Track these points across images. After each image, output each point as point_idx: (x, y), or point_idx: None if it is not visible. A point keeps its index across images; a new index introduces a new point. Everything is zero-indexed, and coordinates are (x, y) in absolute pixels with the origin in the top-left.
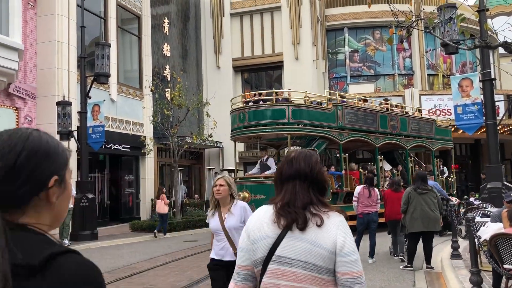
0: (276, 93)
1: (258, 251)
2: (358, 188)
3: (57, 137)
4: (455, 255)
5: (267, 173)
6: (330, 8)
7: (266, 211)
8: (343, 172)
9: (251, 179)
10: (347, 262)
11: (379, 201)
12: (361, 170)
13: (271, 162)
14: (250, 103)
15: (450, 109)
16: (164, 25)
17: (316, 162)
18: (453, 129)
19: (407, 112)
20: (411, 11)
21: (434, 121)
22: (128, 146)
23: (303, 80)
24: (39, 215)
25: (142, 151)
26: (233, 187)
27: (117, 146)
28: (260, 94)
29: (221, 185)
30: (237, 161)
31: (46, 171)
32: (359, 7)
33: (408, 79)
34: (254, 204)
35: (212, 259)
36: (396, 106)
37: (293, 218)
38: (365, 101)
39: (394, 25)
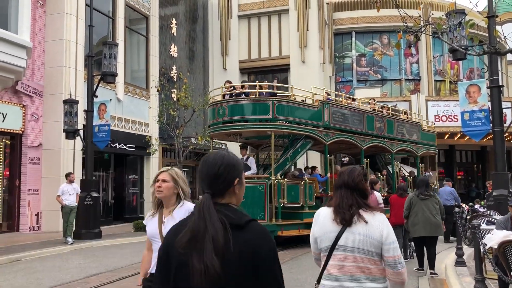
0: (260, 86)
1: (323, 242)
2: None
3: (63, 135)
4: (460, 262)
5: (247, 174)
6: (338, 12)
7: (326, 212)
8: (329, 175)
9: None
10: (390, 248)
11: (382, 205)
12: None
13: (251, 162)
14: (227, 96)
15: (456, 115)
16: (171, 26)
17: (358, 175)
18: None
19: (393, 114)
20: (420, 16)
21: (419, 125)
22: (134, 146)
23: (310, 83)
24: (230, 199)
25: (147, 151)
26: (181, 184)
27: (122, 146)
28: (242, 87)
29: (163, 180)
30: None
31: (233, 176)
32: (367, 12)
33: (415, 85)
34: None
35: (151, 274)
36: (383, 107)
37: (342, 216)
38: (353, 100)
39: (402, 30)
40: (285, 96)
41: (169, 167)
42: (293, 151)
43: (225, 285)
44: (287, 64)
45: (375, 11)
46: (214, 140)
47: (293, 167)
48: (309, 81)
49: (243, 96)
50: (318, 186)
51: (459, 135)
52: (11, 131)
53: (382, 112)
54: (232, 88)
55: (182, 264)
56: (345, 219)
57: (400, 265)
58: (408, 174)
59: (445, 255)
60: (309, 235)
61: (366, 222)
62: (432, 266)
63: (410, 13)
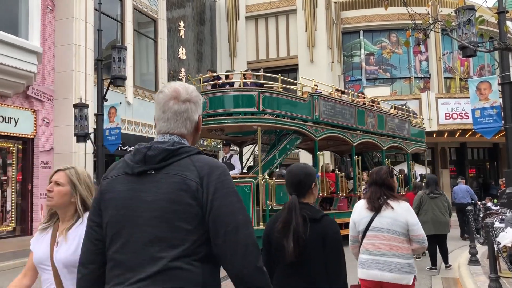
0: (244, 76)
1: (360, 225)
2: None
3: (74, 139)
4: (473, 261)
5: (231, 173)
6: (346, 10)
7: (362, 203)
8: (319, 174)
9: None
10: (415, 229)
11: None
12: (337, 172)
13: (235, 160)
14: (209, 87)
15: (467, 113)
16: (179, 28)
17: (384, 173)
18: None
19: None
20: (428, 13)
21: (409, 120)
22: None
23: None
24: (309, 198)
25: None
26: (82, 191)
27: (132, 148)
28: (227, 77)
29: (57, 183)
30: (252, 164)
31: (311, 181)
32: (375, 10)
33: (425, 82)
34: None
35: None
36: (374, 101)
37: (372, 205)
38: (343, 93)
39: (411, 28)
40: (271, 87)
41: (68, 166)
42: (281, 148)
43: (306, 257)
44: (295, 64)
45: (384, 9)
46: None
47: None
48: (318, 80)
49: (227, 87)
50: None
51: (470, 133)
52: (23, 135)
53: (373, 106)
54: (215, 78)
55: (279, 244)
56: (375, 207)
57: (425, 241)
58: (397, 172)
59: (459, 253)
60: None
61: (393, 209)
62: (446, 260)
63: (419, 11)
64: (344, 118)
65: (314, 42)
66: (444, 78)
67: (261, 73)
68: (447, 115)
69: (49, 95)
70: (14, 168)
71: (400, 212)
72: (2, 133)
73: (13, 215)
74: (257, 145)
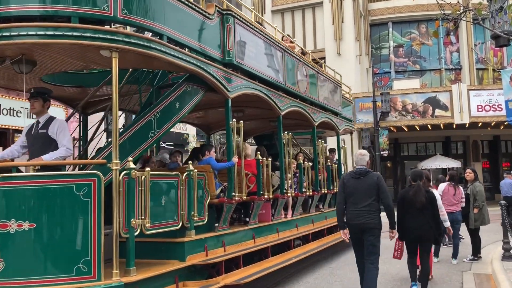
0: None
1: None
2: (442, 186)
3: (105, 134)
4: (507, 256)
5: (44, 158)
6: (374, 2)
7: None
8: (235, 159)
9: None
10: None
11: (463, 199)
12: (259, 157)
13: (59, 128)
14: None
15: (501, 105)
16: None
17: (420, 175)
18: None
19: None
20: (458, 2)
21: (340, 88)
22: (172, 144)
23: (346, 76)
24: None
25: (185, 148)
26: None
27: (161, 143)
28: None
29: None
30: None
31: (422, 176)
32: (403, 1)
33: (456, 74)
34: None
35: None
36: (304, 53)
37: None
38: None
39: (440, 18)
40: None
41: None
42: (164, 108)
43: (425, 206)
44: (323, 58)
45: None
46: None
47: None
48: (345, 73)
49: None
50: (214, 182)
51: (504, 125)
52: None
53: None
54: None
55: (411, 201)
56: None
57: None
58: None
59: (491, 249)
60: None
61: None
62: (474, 251)
63: (448, 0)
64: (271, 68)
65: (341, 35)
66: (476, 69)
67: None
68: (480, 107)
69: None
70: None
71: (435, 196)
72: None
73: None
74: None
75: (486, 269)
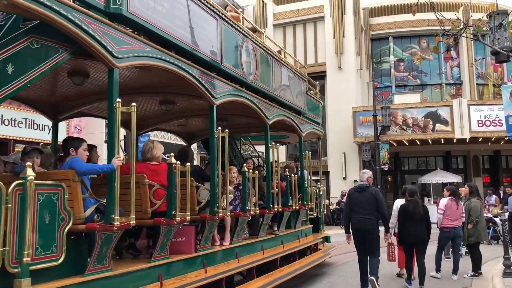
0: None
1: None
2: (444, 201)
3: (105, 146)
4: (508, 273)
5: None
6: (375, 17)
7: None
8: (118, 162)
9: None
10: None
11: (463, 214)
12: (172, 160)
13: None
14: None
15: (501, 120)
16: None
17: (416, 191)
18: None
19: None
20: (458, 18)
21: (305, 84)
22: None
23: (347, 90)
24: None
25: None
26: None
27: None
28: None
29: None
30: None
31: (417, 192)
32: (404, 16)
33: (456, 89)
34: None
35: None
36: (255, 30)
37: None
38: None
39: (440, 33)
40: None
41: None
42: None
43: (422, 217)
44: (323, 71)
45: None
46: (250, 149)
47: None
48: (346, 87)
49: None
50: (81, 197)
51: (504, 140)
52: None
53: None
54: None
55: (412, 213)
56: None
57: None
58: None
59: (492, 265)
60: None
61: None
62: (474, 267)
63: (448, 16)
64: (199, 38)
65: (342, 49)
66: (477, 84)
67: None
68: (480, 122)
69: None
70: None
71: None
72: (36, 140)
73: None
74: None
75: (486, 285)
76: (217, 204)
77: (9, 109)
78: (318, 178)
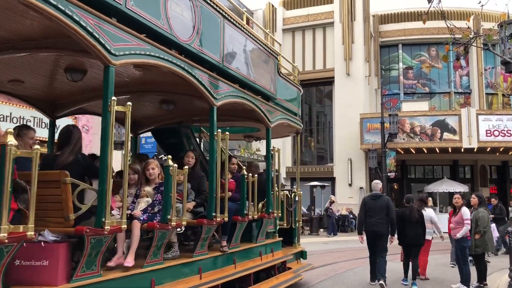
0: None
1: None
2: (468, 211)
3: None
4: None
5: None
6: (384, 24)
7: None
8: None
9: None
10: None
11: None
12: (10, 139)
13: None
14: None
15: (510, 130)
16: None
17: (412, 198)
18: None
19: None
20: (469, 27)
21: (276, 62)
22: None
23: (354, 96)
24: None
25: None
26: None
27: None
28: None
29: None
30: (284, 176)
31: (413, 200)
32: (414, 23)
33: (465, 98)
34: None
35: None
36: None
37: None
38: None
39: (450, 42)
40: None
41: None
42: None
43: (418, 220)
44: (331, 77)
45: (423, 23)
46: (256, 153)
47: None
48: (354, 93)
49: None
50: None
51: None
52: None
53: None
54: None
55: (409, 217)
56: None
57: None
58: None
59: (498, 277)
60: None
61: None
62: (479, 278)
63: (459, 24)
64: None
65: (351, 55)
66: (486, 94)
67: None
68: (488, 132)
69: None
70: None
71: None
72: (44, 139)
73: None
74: None
75: None
76: (111, 212)
77: (17, 107)
78: (324, 184)
